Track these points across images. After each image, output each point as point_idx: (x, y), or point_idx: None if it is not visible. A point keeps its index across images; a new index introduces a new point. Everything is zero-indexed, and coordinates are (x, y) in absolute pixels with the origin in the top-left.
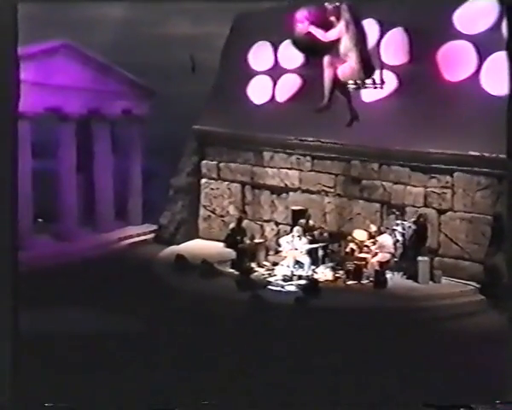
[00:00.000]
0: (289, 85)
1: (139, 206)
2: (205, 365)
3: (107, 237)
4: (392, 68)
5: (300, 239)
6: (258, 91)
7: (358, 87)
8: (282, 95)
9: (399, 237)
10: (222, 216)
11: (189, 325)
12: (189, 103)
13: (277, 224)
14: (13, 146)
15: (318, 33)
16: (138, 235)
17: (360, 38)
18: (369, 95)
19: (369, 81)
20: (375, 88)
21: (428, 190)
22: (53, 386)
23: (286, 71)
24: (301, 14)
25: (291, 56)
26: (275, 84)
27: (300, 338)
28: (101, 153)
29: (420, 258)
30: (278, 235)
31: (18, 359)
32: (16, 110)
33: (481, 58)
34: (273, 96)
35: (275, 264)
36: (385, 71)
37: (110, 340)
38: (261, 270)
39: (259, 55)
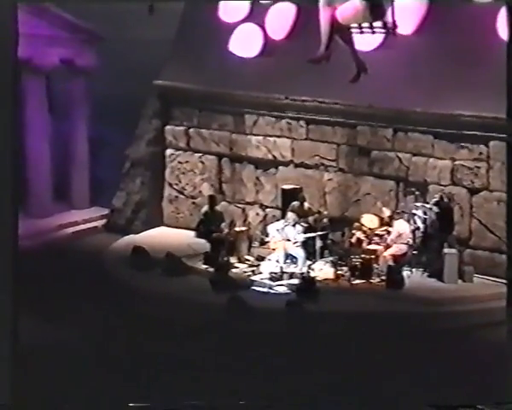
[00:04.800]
0: (276, 31)
1: (85, 184)
2: (170, 384)
3: (44, 224)
4: (411, 9)
5: (293, 227)
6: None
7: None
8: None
9: (420, 224)
10: (193, 197)
11: (150, 336)
12: (147, 52)
13: (263, 207)
14: None
15: None
16: (85, 221)
17: None
18: (379, 42)
19: (377, 24)
20: (387, 33)
21: (457, 163)
22: None
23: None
24: None
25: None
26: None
27: (293, 351)
28: (35, 114)
29: (446, 250)
30: (265, 221)
31: None
32: None
33: None
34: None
35: (260, 258)
36: (399, 11)
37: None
38: (243, 266)
39: None
